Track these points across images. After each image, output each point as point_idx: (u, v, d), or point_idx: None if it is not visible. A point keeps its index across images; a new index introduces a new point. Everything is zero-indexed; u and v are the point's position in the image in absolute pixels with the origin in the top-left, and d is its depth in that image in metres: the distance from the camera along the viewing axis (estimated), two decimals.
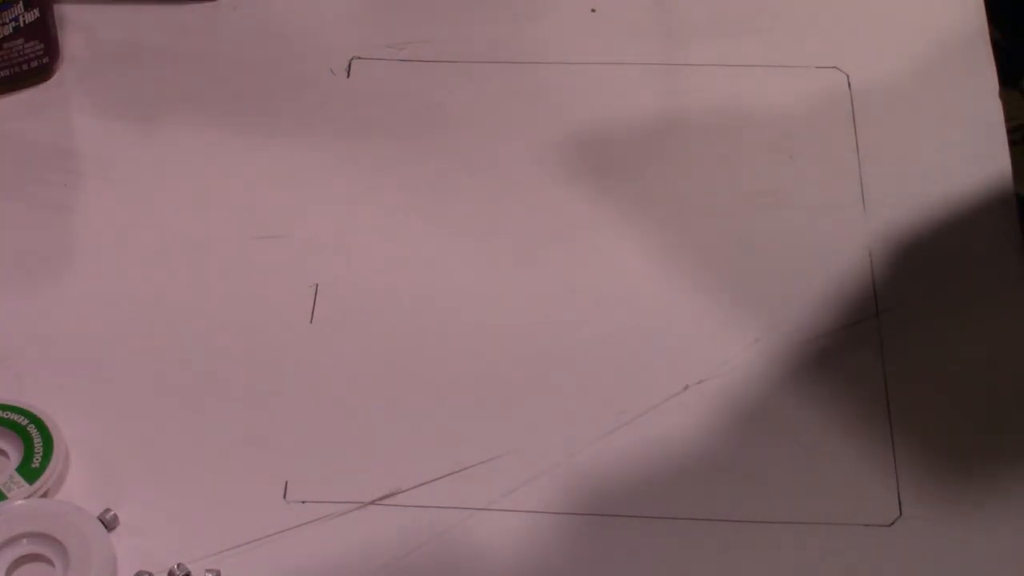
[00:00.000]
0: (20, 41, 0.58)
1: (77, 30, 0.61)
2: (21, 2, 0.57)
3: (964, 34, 0.62)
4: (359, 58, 0.61)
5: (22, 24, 0.57)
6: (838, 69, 0.59)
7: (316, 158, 0.58)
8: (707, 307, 0.53)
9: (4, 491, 0.47)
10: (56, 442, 0.48)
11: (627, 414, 0.50)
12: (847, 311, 0.53)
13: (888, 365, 0.52)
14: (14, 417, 0.49)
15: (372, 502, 0.48)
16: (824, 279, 0.54)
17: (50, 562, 0.46)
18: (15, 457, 0.48)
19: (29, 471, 0.48)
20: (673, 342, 0.52)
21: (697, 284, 0.54)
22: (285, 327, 0.53)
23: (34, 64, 0.59)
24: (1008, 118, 0.57)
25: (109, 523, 0.47)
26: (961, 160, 0.56)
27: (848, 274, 0.54)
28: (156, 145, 0.58)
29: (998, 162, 0.56)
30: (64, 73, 0.60)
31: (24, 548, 0.46)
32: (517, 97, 0.59)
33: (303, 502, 0.48)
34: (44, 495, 0.48)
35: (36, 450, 0.48)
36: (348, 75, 0.61)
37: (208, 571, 0.46)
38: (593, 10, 0.62)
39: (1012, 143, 0.56)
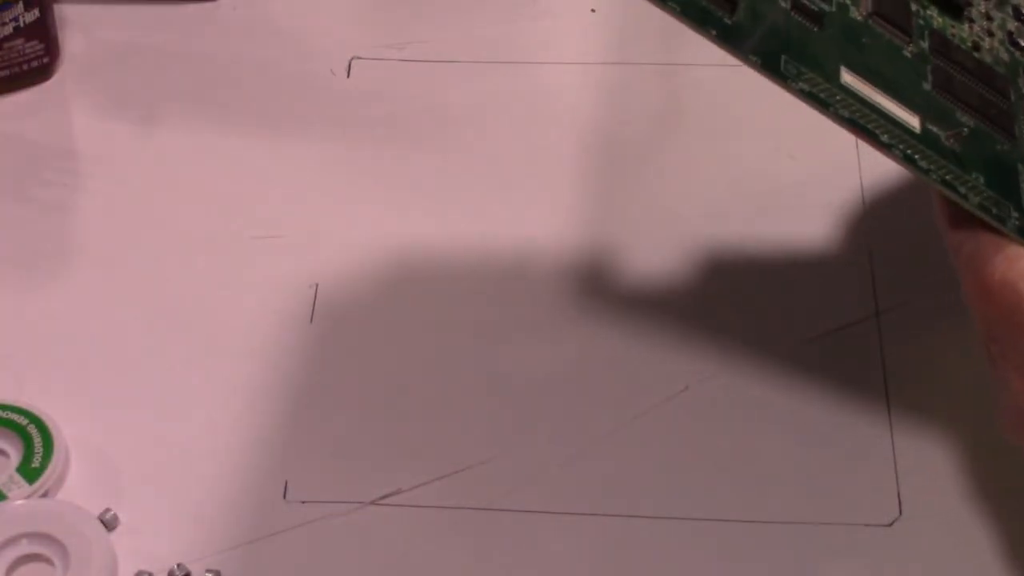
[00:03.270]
0: (20, 41, 0.58)
1: (77, 30, 0.61)
2: (21, 2, 0.57)
3: None
4: (359, 58, 0.61)
5: (22, 24, 0.57)
6: None
7: (316, 158, 0.58)
8: (707, 306, 0.53)
9: (4, 491, 0.47)
10: (56, 442, 0.48)
11: (628, 413, 0.50)
12: (847, 311, 0.53)
13: (888, 365, 0.52)
14: (14, 417, 0.49)
15: (372, 502, 0.48)
16: (824, 279, 0.54)
17: (50, 562, 0.46)
18: (15, 457, 0.48)
19: (29, 471, 0.48)
20: (674, 341, 0.52)
21: (696, 283, 0.54)
22: (285, 327, 0.53)
23: (34, 64, 0.59)
24: None
25: (109, 523, 0.47)
26: None
27: (848, 274, 0.54)
28: (156, 145, 0.58)
29: None
30: (64, 73, 0.60)
31: (24, 548, 0.46)
32: (517, 97, 0.59)
33: (303, 502, 0.48)
34: (44, 495, 0.48)
35: (36, 450, 0.48)
36: (348, 75, 0.61)
37: (208, 571, 0.46)
38: (593, 10, 0.62)
39: None
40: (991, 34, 0.48)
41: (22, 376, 0.51)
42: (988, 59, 0.47)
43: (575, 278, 0.54)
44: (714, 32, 0.43)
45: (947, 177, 0.43)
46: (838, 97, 0.43)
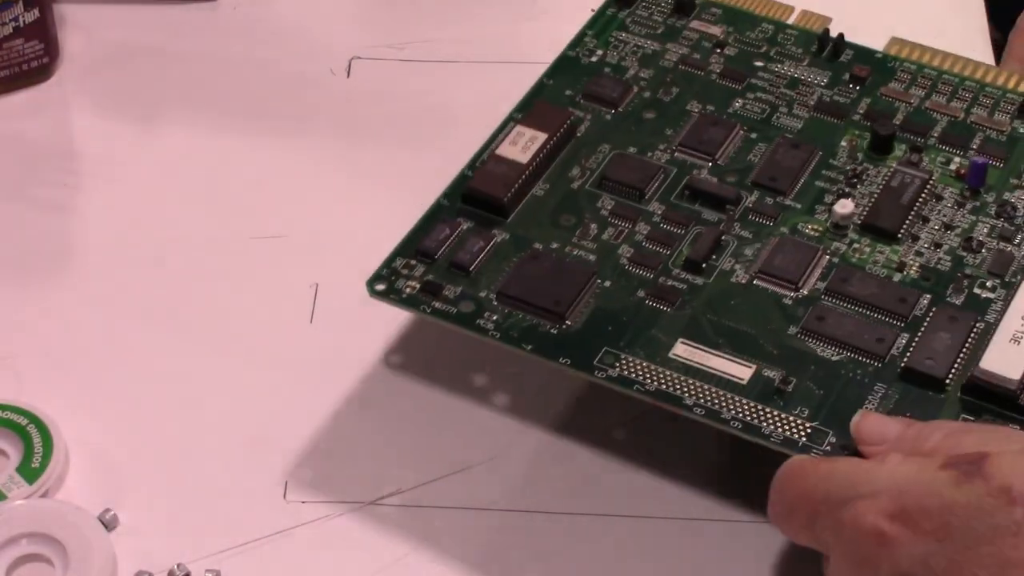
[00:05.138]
0: (20, 41, 0.58)
1: (77, 30, 0.61)
2: (21, 2, 0.57)
3: (964, 33, 0.62)
4: (359, 58, 0.61)
5: (22, 24, 0.57)
6: None
7: (316, 158, 0.58)
8: None
9: (4, 491, 0.47)
10: (56, 442, 0.48)
11: (628, 413, 0.50)
12: None
13: None
14: (14, 417, 0.49)
15: (372, 502, 0.48)
16: None
17: (50, 562, 0.46)
18: (15, 457, 0.48)
19: (29, 471, 0.48)
20: None
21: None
22: (285, 327, 0.53)
23: (34, 64, 0.59)
24: None
25: (109, 523, 0.47)
26: None
27: None
28: (156, 145, 0.58)
29: None
30: (64, 73, 0.60)
31: (24, 548, 0.46)
32: (517, 97, 0.59)
33: (303, 502, 0.48)
34: (44, 495, 0.48)
35: (36, 450, 0.48)
36: (348, 75, 0.61)
37: (208, 571, 0.46)
38: (593, 10, 0.62)
39: None
40: (939, 245, 0.50)
41: (22, 376, 0.51)
42: (914, 275, 0.49)
43: None
44: (529, 347, 0.47)
45: (753, 422, 0.45)
46: (652, 371, 0.46)
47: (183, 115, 0.59)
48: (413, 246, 0.50)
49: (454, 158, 0.57)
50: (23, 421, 0.49)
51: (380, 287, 0.49)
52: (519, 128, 0.52)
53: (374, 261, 0.54)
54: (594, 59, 0.55)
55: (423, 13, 0.63)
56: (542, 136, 0.52)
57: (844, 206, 0.50)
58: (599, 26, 0.56)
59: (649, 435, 0.50)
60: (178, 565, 0.46)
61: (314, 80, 0.60)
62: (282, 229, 0.55)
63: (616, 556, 0.47)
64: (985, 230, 0.50)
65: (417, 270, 0.49)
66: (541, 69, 0.55)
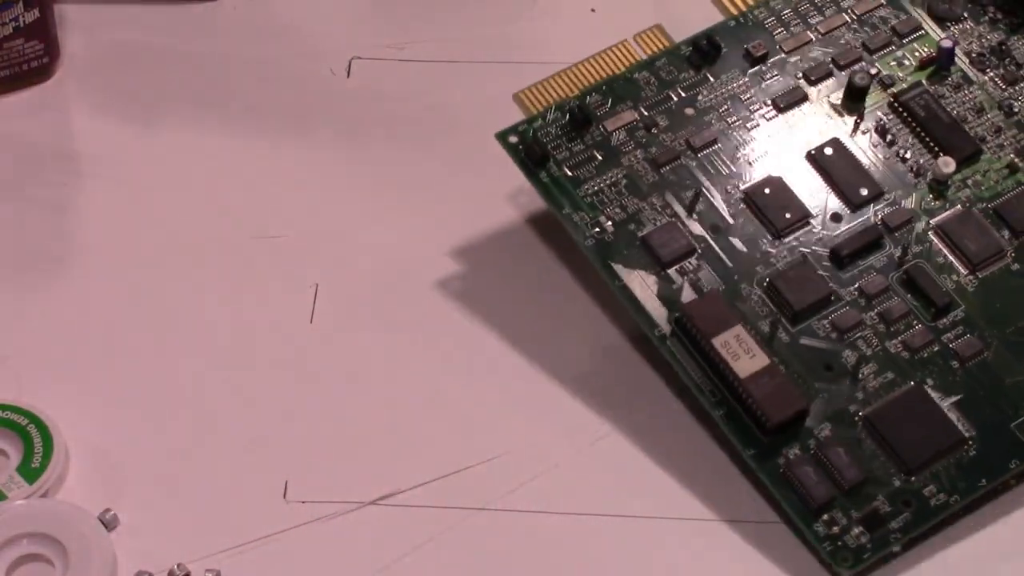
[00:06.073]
0: (20, 41, 0.58)
1: (77, 30, 0.61)
2: (21, 2, 0.57)
3: None
4: (359, 58, 0.61)
5: (22, 24, 0.57)
6: None
7: (316, 158, 0.58)
8: None
9: (4, 491, 0.47)
10: (56, 442, 0.48)
11: (628, 413, 0.50)
12: None
13: None
14: (14, 417, 0.49)
15: (372, 502, 0.48)
16: None
17: (50, 562, 0.46)
18: (15, 457, 0.48)
19: (29, 471, 0.48)
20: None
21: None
22: (285, 327, 0.53)
23: (34, 64, 0.59)
24: None
25: (109, 523, 0.47)
26: None
27: None
28: (156, 145, 0.58)
29: None
30: (64, 73, 0.60)
31: (24, 548, 0.46)
32: None
33: (303, 502, 0.48)
34: (44, 495, 0.48)
35: (36, 450, 0.48)
36: (348, 75, 0.61)
37: (208, 571, 0.46)
38: (593, 10, 0.62)
39: None
40: (1000, 130, 0.49)
41: (22, 376, 0.51)
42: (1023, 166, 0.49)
43: (575, 276, 0.54)
44: (983, 483, 0.46)
45: None
46: None
47: (183, 115, 0.59)
48: (807, 508, 0.46)
49: (454, 158, 0.57)
50: (23, 421, 0.49)
51: (848, 564, 0.45)
52: (722, 340, 0.47)
53: (374, 261, 0.54)
54: (603, 220, 0.51)
55: (423, 13, 0.63)
56: (743, 330, 0.48)
57: (948, 164, 0.48)
58: (556, 191, 0.51)
59: (649, 434, 0.50)
60: (178, 565, 0.46)
61: (314, 80, 0.60)
62: (282, 229, 0.55)
63: (616, 556, 0.47)
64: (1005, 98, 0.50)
65: (840, 518, 0.46)
66: (541, 69, 0.55)
